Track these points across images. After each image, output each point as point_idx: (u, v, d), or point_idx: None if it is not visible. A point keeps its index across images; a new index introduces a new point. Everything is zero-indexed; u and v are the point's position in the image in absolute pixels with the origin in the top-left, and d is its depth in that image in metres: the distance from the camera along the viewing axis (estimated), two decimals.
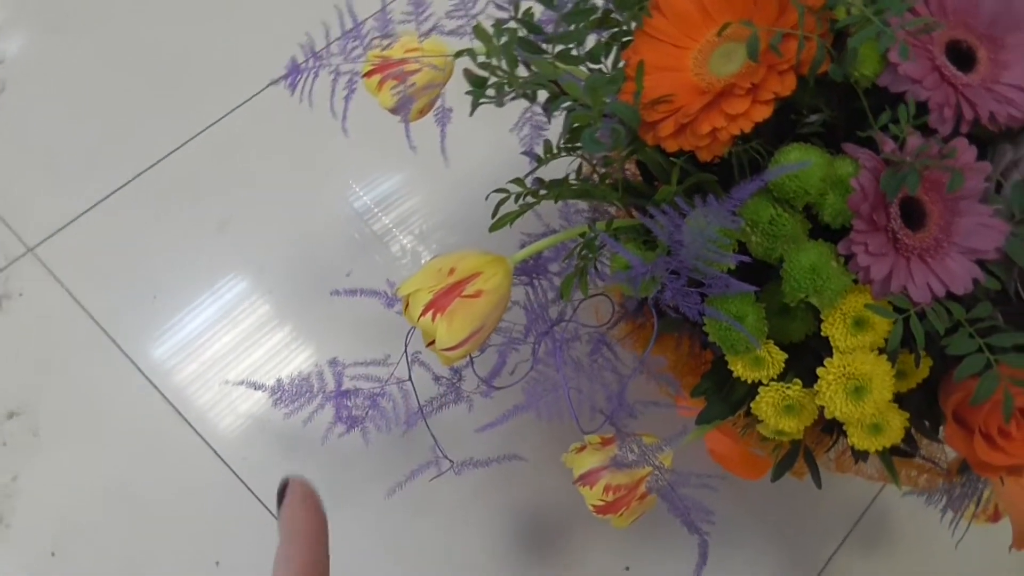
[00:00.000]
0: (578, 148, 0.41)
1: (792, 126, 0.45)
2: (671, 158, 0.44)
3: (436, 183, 0.83)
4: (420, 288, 0.44)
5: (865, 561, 0.83)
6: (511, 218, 0.43)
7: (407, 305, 0.44)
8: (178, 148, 0.81)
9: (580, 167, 0.44)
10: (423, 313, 0.43)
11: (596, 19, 0.49)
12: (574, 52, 0.43)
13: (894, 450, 0.50)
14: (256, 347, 0.75)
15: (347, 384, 0.57)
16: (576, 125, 0.40)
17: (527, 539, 0.75)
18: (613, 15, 0.49)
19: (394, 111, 0.54)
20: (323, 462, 0.73)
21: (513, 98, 0.39)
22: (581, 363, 0.49)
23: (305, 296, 0.77)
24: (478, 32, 0.39)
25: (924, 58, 0.41)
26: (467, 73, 0.40)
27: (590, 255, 0.44)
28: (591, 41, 0.47)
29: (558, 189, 0.44)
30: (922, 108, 0.41)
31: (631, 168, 0.53)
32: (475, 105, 0.42)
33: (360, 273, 0.79)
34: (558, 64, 0.42)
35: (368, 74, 0.53)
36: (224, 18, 0.87)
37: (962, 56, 0.42)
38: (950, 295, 0.40)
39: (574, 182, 0.46)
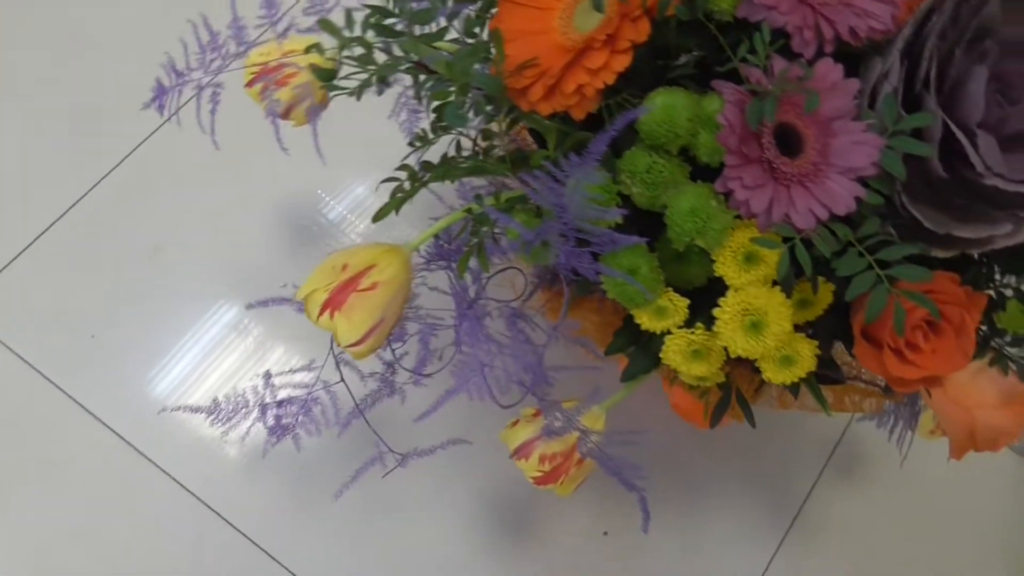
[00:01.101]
0: (446, 126, 0.40)
1: (665, 71, 0.44)
2: (550, 121, 0.44)
3: (363, 181, 0.82)
4: (316, 288, 0.43)
5: (844, 491, 0.83)
6: (395, 205, 0.43)
7: (307, 307, 0.44)
8: (98, 183, 0.80)
9: (459, 144, 0.44)
10: (321, 312, 0.43)
11: None
12: (433, 29, 0.42)
13: (822, 378, 0.50)
14: (205, 371, 0.75)
15: (282, 394, 0.57)
16: (438, 103, 0.39)
17: (499, 521, 0.75)
18: None
19: (284, 115, 0.54)
20: (285, 474, 0.73)
21: (370, 87, 0.38)
22: (502, 339, 0.49)
23: (245, 314, 0.77)
24: (325, 25, 0.39)
25: None
26: (313, 68, 0.39)
27: (484, 230, 0.44)
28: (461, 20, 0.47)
29: (443, 170, 0.44)
30: (784, 34, 0.41)
31: (525, 137, 0.53)
32: (360, 91, 0.41)
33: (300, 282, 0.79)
34: (420, 44, 0.42)
35: (249, 83, 0.53)
36: (97, 51, 0.86)
37: None
38: (837, 217, 0.40)
39: (462, 160, 0.46)
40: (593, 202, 0.40)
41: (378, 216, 0.42)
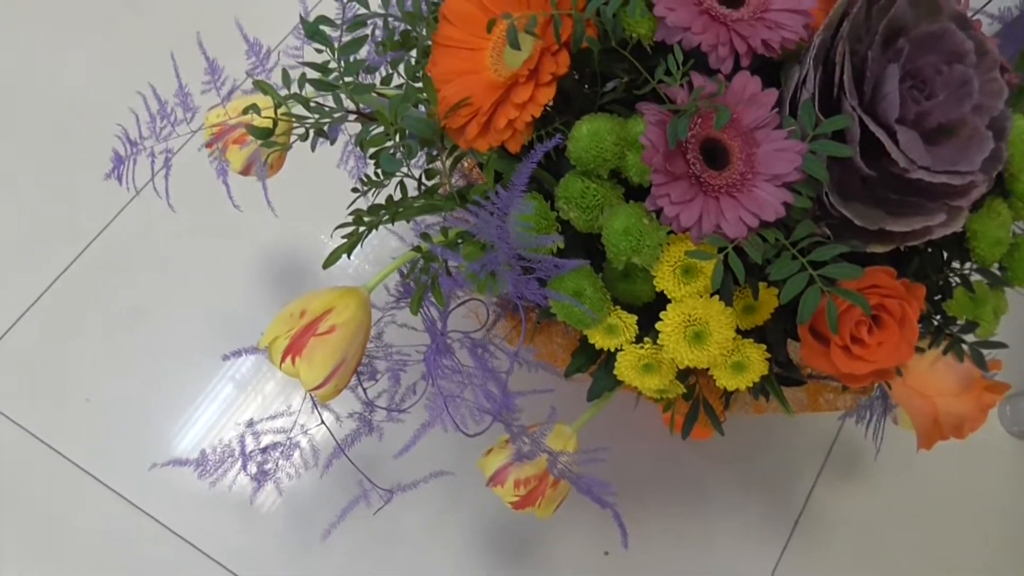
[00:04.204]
0: (386, 172, 0.42)
1: (596, 97, 0.46)
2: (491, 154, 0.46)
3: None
4: (278, 335, 0.45)
5: (845, 486, 0.83)
6: (344, 250, 0.45)
7: (271, 355, 0.46)
8: (80, 254, 0.83)
9: (403, 186, 0.45)
10: (283, 359, 0.44)
11: (397, 42, 0.50)
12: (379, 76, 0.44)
13: (784, 379, 0.51)
14: (194, 424, 0.76)
15: (266, 440, 0.58)
16: (374, 150, 0.41)
17: (498, 548, 0.76)
18: (412, 34, 0.50)
19: (244, 172, 0.56)
20: (283, 519, 0.74)
21: (306, 140, 0.40)
22: (469, 370, 0.50)
23: (228, 365, 0.78)
24: (259, 85, 0.41)
25: (689, 5, 0.42)
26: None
27: (435, 266, 0.45)
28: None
29: (391, 211, 0.46)
30: (702, 52, 0.42)
31: (475, 171, 0.55)
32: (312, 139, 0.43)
33: None
34: (360, 91, 0.44)
35: (209, 144, 0.55)
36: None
37: None
38: (771, 223, 0.41)
39: (410, 200, 0.48)
40: (531, 231, 0.42)
41: (328, 262, 0.44)
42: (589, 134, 0.41)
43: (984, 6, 0.80)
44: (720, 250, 0.40)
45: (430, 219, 0.53)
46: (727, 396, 0.53)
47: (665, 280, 0.41)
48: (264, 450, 0.58)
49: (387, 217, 0.46)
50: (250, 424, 0.58)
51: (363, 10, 0.44)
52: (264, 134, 0.40)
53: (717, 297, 0.41)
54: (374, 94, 0.48)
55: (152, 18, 0.96)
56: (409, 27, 0.49)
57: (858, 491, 0.83)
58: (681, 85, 0.41)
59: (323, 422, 0.57)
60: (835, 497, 0.83)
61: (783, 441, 0.85)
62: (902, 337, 0.42)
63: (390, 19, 0.51)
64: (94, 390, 0.77)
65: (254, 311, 0.79)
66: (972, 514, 0.84)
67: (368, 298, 0.47)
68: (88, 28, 0.96)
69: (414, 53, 0.49)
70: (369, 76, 0.50)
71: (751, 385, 0.44)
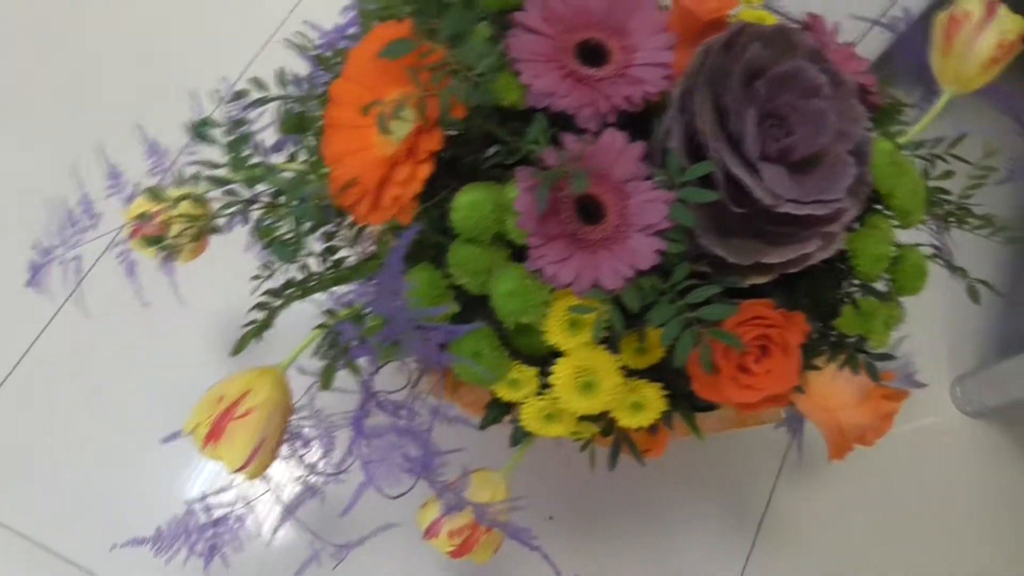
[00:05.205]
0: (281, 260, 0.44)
1: (480, 163, 0.48)
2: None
3: None
4: (199, 422, 0.47)
5: (805, 486, 0.85)
6: (253, 334, 0.47)
7: (195, 440, 0.47)
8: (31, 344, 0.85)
9: (306, 266, 0.47)
10: (205, 444, 0.46)
11: (293, 123, 0.53)
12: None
13: (698, 407, 0.53)
14: (154, 500, 0.78)
15: (219, 512, 0.60)
16: (267, 239, 0.43)
17: None
18: (306, 115, 0.52)
19: (166, 260, 0.58)
20: None
21: (195, 241, 0.42)
22: (394, 428, 0.52)
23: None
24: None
25: (553, 70, 0.44)
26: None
27: (345, 338, 0.47)
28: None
29: (299, 291, 0.48)
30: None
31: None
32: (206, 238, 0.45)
33: None
34: (249, 184, 0.46)
35: (131, 235, 0.57)
36: None
37: (595, 53, 0.46)
38: (650, 271, 0.43)
39: (320, 276, 0.50)
40: (423, 302, 0.44)
41: (235, 350, 0.46)
42: (468, 204, 0.43)
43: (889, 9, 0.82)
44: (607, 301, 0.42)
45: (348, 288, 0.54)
46: (668, 417, 0.55)
47: (555, 334, 0.43)
48: (216, 522, 0.60)
49: (297, 294, 0.48)
50: (202, 498, 0.59)
51: (248, 107, 0.46)
52: (155, 242, 0.42)
53: (604, 347, 0.43)
54: (285, 173, 0.50)
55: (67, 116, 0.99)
56: (303, 109, 0.51)
57: (819, 488, 0.85)
58: (556, 146, 0.43)
59: (269, 489, 0.59)
60: (796, 497, 0.84)
61: (739, 446, 0.87)
62: (787, 364, 0.44)
63: (288, 101, 0.53)
64: (54, 470, 0.79)
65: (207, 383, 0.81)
66: (933, 497, 0.86)
67: (283, 376, 0.49)
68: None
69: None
70: (278, 156, 0.52)
71: (655, 421, 0.46)
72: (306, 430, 0.56)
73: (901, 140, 0.58)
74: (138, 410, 0.82)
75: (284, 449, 0.54)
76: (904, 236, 0.55)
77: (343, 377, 0.57)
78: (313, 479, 0.58)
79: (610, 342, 0.43)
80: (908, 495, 0.86)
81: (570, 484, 0.81)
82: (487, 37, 0.43)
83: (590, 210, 0.44)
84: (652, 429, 0.52)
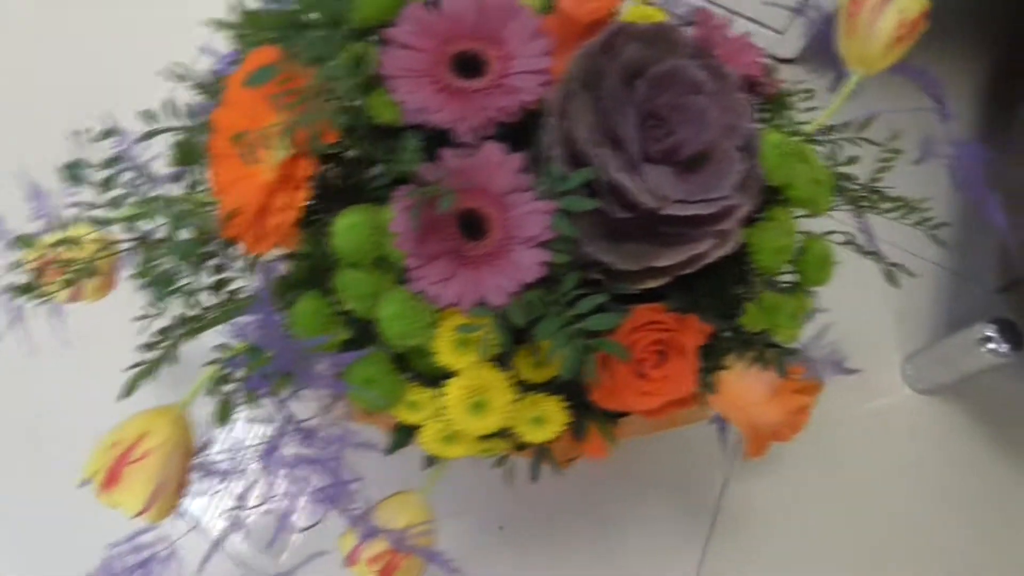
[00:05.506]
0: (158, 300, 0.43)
1: (364, 184, 0.47)
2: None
3: None
4: (96, 469, 0.46)
5: (757, 477, 0.84)
6: (142, 375, 0.45)
7: (94, 487, 0.46)
8: None
9: (198, 303, 0.46)
10: (102, 491, 0.45)
11: (183, 154, 0.51)
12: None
13: (609, 414, 0.52)
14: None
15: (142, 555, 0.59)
16: (145, 281, 0.42)
17: None
18: (196, 146, 0.51)
19: (73, 299, 0.56)
20: None
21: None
22: (308, 458, 0.51)
23: None
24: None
25: (426, 85, 0.43)
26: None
27: (236, 375, 0.46)
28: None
29: (190, 327, 0.47)
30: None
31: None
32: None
33: None
34: (130, 223, 0.45)
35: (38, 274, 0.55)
36: None
37: (472, 64, 0.45)
38: (539, 283, 0.42)
39: (219, 308, 0.49)
40: (310, 330, 0.43)
41: (123, 394, 0.45)
42: (345, 228, 0.42)
43: None
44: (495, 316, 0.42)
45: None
46: (580, 427, 0.54)
47: (444, 354, 0.42)
48: (143, 563, 0.58)
49: (188, 332, 0.46)
50: (129, 539, 0.58)
51: (138, 141, 0.45)
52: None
53: (494, 364, 0.42)
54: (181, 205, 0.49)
55: None
56: (190, 139, 0.50)
57: (773, 477, 0.84)
58: (436, 161, 0.42)
59: (197, 525, 0.58)
60: (751, 487, 0.84)
61: (690, 442, 0.86)
62: (684, 368, 0.43)
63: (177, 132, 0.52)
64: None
65: None
66: (890, 478, 0.86)
67: (183, 414, 0.48)
68: None
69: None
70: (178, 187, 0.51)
71: (557, 434, 0.45)
72: (224, 464, 0.55)
73: (810, 126, 0.57)
74: (64, 453, 0.81)
75: (205, 484, 0.54)
76: (831, 224, 0.54)
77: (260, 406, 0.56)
78: (237, 512, 0.57)
79: (502, 359, 0.43)
80: (865, 477, 0.86)
81: (519, 491, 0.79)
82: (355, 56, 0.42)
83: (474, 225, 0.43)
84: (580, 435, 0.51)
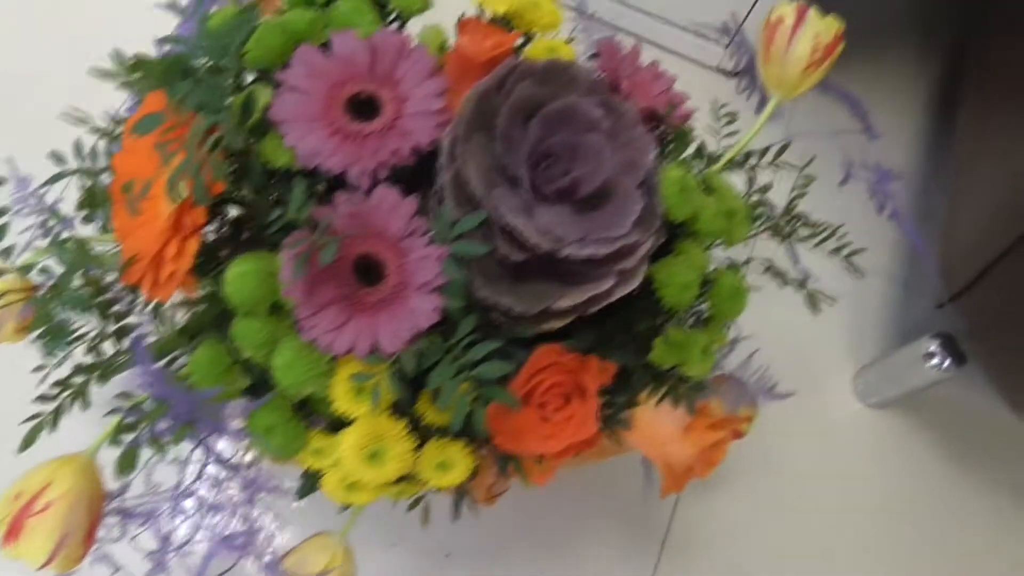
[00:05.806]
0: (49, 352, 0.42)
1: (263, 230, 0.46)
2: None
3: None
4: None
5: (707, 499, 0.83)
6: (39, 429, 0.45)
7: None
8: None
9: (97, 351, 0.46)
10: (3, 545, 0.45)
11: (88, 199, 0.51)
12: None
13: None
14: None
15: None
16: (39, 330, 0.41)
17: None
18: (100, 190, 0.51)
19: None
20: None
21: None
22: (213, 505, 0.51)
23: None
24: None
25: (319, 128, 0.43)
26: None
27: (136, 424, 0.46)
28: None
29: (89, 377, 0.46)
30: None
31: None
32: None
33: None
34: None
35: None
36: None
37: (367, 106, 0.44)
38: (431, 329, 0.42)
39: (121, 356, 0.48)
40: (207, 379, 0.42)
41: (21, 447, 0.45)
42: (236, 277, 0.42)
43: None
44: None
45: None
46: (503, 466, 0.54)
47: (341, 402, 0.42)
48: None
49: (87, 382, 0.46)
50: None
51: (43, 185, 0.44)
52: None
53: (391, 412, 0.42)
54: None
55: None
56: (94, 183, 0.50)
57: (724, 494, 0.84)
58: (328, 205, 0.42)
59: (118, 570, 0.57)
60: (701, 505, 0.83)
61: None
62: (586, 409, 0.43)
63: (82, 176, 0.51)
64: None
65: None
66: (842, 492, 0.86)
67: (90, 462, 0.47)
68: None
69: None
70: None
71: (463, 478, 0.45)
72: (140, 508, 0.55)
73: (729, 154, 0.57)
74: None
75: (125, 528, 0.53)
76: (759, 250, 0.54)
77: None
78: (159, 555, 0.57)
79: (402, 405, 0.42)
80: (817, 492, 0.86)
81: (465, 517, 0.79)
82: (243, 102, 0.42)
83: (371, 271, 0.43)
84: (504, 472, 0.51)
